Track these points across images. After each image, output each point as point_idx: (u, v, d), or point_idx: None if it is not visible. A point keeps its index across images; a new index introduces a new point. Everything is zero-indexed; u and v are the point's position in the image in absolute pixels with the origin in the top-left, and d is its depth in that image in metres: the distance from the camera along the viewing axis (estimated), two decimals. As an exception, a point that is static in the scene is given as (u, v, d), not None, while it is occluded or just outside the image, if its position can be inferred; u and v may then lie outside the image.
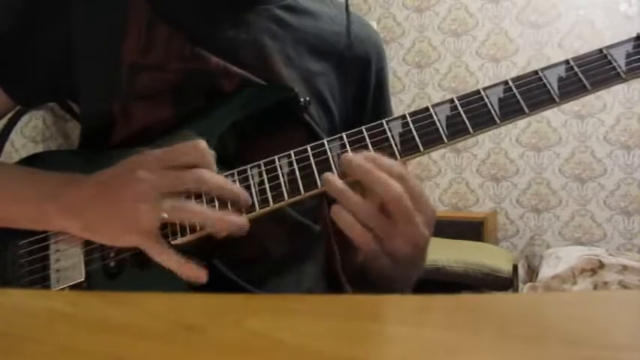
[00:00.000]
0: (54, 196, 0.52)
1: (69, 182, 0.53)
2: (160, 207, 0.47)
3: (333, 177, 0.49)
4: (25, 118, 2.52)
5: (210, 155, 0.50)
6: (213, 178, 0.49)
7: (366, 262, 0.53)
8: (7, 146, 2.39)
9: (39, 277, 0.54)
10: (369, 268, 0.53)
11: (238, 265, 0.59)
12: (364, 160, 0.49)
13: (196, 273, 0.49)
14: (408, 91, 2.96)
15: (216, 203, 0.51)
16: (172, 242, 0.51)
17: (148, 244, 0.48)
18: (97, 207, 0.50)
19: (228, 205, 0.51)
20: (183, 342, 0.25)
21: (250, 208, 0.51)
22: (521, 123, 2.70)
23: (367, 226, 0.48)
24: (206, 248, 0.53)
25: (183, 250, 0.52)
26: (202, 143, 0.50)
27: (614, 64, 0.52)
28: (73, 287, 0.53)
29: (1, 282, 0.57)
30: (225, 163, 0.55)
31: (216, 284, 0.58)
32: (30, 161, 0.62)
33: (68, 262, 0.54)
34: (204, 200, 0.51)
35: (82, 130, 0.67)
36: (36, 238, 0.55)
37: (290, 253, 0.65)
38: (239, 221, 0.48)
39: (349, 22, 0.67)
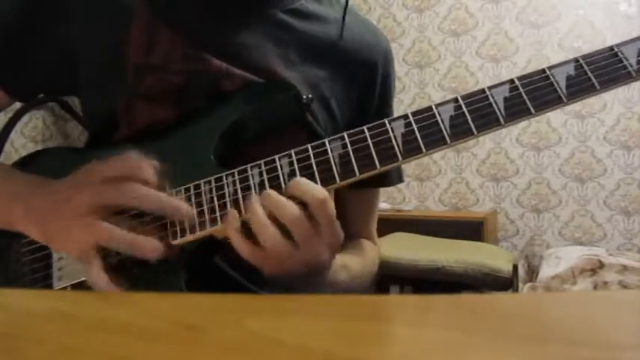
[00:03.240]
0: (22, 198, 0.53)
1: (37, 187, 0.54)
2: (88, 228, 0.48)
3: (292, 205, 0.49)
4: (25, 118, 2.52)
5: (146, 166, 0.50)
6: (143, 193, 0.49)
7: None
8: (7, 146, 2.39)
9: (41, 276, 0.55)
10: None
11: (240, 263, 0.59)
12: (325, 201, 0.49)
13: None
14: (408, 91, 2.96)
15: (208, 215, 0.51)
16: (173, 242, 0.51)
17: (83, 261, 0.49)
18: (48, 219, 0.51)
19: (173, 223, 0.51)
20: (183, 342, 0.25)
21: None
22: (522, 123, 2.67)
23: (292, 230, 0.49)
24: (208, 247, 0.53)
25: (185, 250, 0.52)
26: (133, 154, 0.50)
27: (625, 62, 0.50)
28: (74, 286, 0.53)
29: (4, 280, 0.57)
30: (226, 163, 0.55)
31: (218, 283, 0.58)
32: (31, 158, 0.62)
33: (70, 261, 0.54)
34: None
35: (89, 129, 0.68)
36: None
37: None
38: (151, 246, 0.48)
39: (344, 23, 0.67)
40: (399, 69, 2.95)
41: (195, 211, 0.51)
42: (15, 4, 0.62)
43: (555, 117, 2.63)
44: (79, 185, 0.50)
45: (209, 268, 0.58)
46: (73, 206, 0.49)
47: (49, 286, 0.54)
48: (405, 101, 2.94)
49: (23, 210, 0.52)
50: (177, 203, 0.50)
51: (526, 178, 2.72)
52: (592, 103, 2.56)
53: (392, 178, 0.73)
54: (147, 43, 0.59)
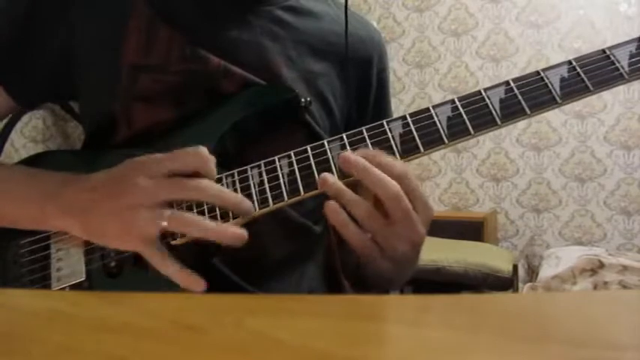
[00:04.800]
0: (55, 195, 0.52)
1: (70, 182, 0.53)
2: (159, 215, 0.47)
3: (330, 176, 0.49)
4: (25, 118, 2.52)
5: (211, 161, 0.49)
6: (213, 188, 0.49)
7: (362, 263, 0.53)
8: (7, 146, 2.39)
9: (40, 277, 0.54)
10: (366, 268, 0.53)
11: (238, 265, 0.59)
12: (363, 158, 0.48)
13: (195, 282, 0.48)
14: (408, 91, 2.96)
15: (217, 211, 0.51)
16: (172, 242, 0.51)
17: (147, 252, 0.48)
18: (98, 209, 0.49)
19: (230, 213, 0.51)
20: (183, 342, 0.25)
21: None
22: (522, 123, 2.70)
23: (364, 226, 0.48)
24: (206, 248, 0.53)
25: (183, 250, 0.52)
26: (203, 149, 0.49)
27: (617, 64, 0.51)
28: (73, 287, 0.53)
29: (2, 281, 0.57)
30: (225, 164, 0.55)
31: (216, 284, 0.58)
32: (32, 161, 0.62)
33: (69, 262, 0.54)
34: (206, 209, 0.51)
35: (86, 131, 0.67)
36: (37, 237, 0.55)
37: (290, 254, 0.65)
38: (238, 233, 0.48)
39: (347, 23, 0.67)
40: (399, 69, 2.96)
41: (195, 211, 0.51)
42: (15, 4, 0.62)
43: (555, 117, 2.63)
44: (136, 178, 0.48)
45: (208, 269, 0.58)
46: (135, 198, 0.47)
47: (47, 287, 0.54)
48: (405, 101, 2.94)
49: (57, 207, 0.52)
50: (235, 194, 0.51)
51: (526, 178, 2.72)
52: (592, 103, 2.56)
53: None
54: (145, 42, 0.59)
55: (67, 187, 0.52)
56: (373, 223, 0.48)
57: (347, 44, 0.66)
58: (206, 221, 0.48)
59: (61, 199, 0.52)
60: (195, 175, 0.49)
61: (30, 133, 2.60)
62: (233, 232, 0.48)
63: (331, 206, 0.48)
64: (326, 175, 0.49)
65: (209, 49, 0.60)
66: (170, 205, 0.49)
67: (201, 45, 0.60)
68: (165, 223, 0.47)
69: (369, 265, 0.52)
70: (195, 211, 0.51)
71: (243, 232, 0.48)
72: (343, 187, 0.48)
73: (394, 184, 0.47)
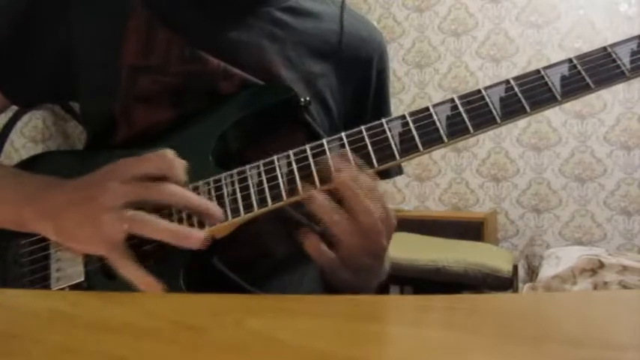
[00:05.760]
0: (34, 199, 0.53)
1: (48, 186, 0.53)
2: (121, 217, 0.47)
3: (319, 194, 0.49)
4: (25, 118, 2.52)
5: (177, 165, 0.49)
6: (179, 193, 0.49)
7: (325, 273, 0.54)
8: (7, 146, 2.39)
9: (39, 277, 0.55)
10: (330, 278, 0.53)
11: (239, 265, 0.59)
12: (350, 180, 0.49)
13: (153, 289, 0.48)
14: (408, 91, 2.96)
15: (192, 218, 0.51)
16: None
17: (111, 255, 0.48)
18: (69, 214, 0.49)
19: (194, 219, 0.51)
20: (184, 342, 0.25)
21: (249, 209, 0.51)
22: (522, 123, 2.70)
23: (337, 242, 0.49)
24: (206, 248, 0.53)
25: (183, 250, 0.51)
26: (169, 153, 0.49)
27: (619, 62, 0.51)
28: (72, 287, 0.53)
29: (2, 281, 0.57)
30: (226, 164, 0.55)
31: (216, 284, 0.58)
32: (30, 162, 0.62)
33: (68, 262, 0.54)
34: (184, 216, 0.51)
35: (87, 131, 0.67)
36: (37, 237, 0.55)
37: (291, 253, 0.65)
38: (198, 236, 0.47)
39: (342, 22, 0.67)
40: (399, 69, 2.96)
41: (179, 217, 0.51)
42: (15, 4, 0.62)
43: (555, 117, 2.63)
44: (107, 181, 0.48)
45: (207, 269, 0.58)
46: (102, 201, 0.47)
47: (47, 287, 0.54)
48: (405, 101, 2.94)
49: (33, 210, 0.52)
50: (204, 201, 0.50)
51: (526, 178, 2.72)
52: (592, 103, 2.56)
53: (390, 171, 0.73)
54: (145, 43, 0.59)
55: (47, 192, 0.52)
56: (347, 239, 0.49)
57: (341, 42, 0.66)
58: (165, 223, 0.48)
59: (39, 203, 0.52)
60: (165, 179, 0.49)
61: (30, 133, 2.61)
62: (191, 236, 0.47)
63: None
64: (315, 193, 0.50)
65: (208, 51, 0.60)
66: (140, 210, 0.48)
67: (201, 46, 0.60)
68: (126, 226, 0.47)
69: (331, 277, 0.53)
70: (180, 218, 0.51)
71: (202, 235, 0.47)
72: (330, 206, 0.49)
73: (376, 211, 0.49)
